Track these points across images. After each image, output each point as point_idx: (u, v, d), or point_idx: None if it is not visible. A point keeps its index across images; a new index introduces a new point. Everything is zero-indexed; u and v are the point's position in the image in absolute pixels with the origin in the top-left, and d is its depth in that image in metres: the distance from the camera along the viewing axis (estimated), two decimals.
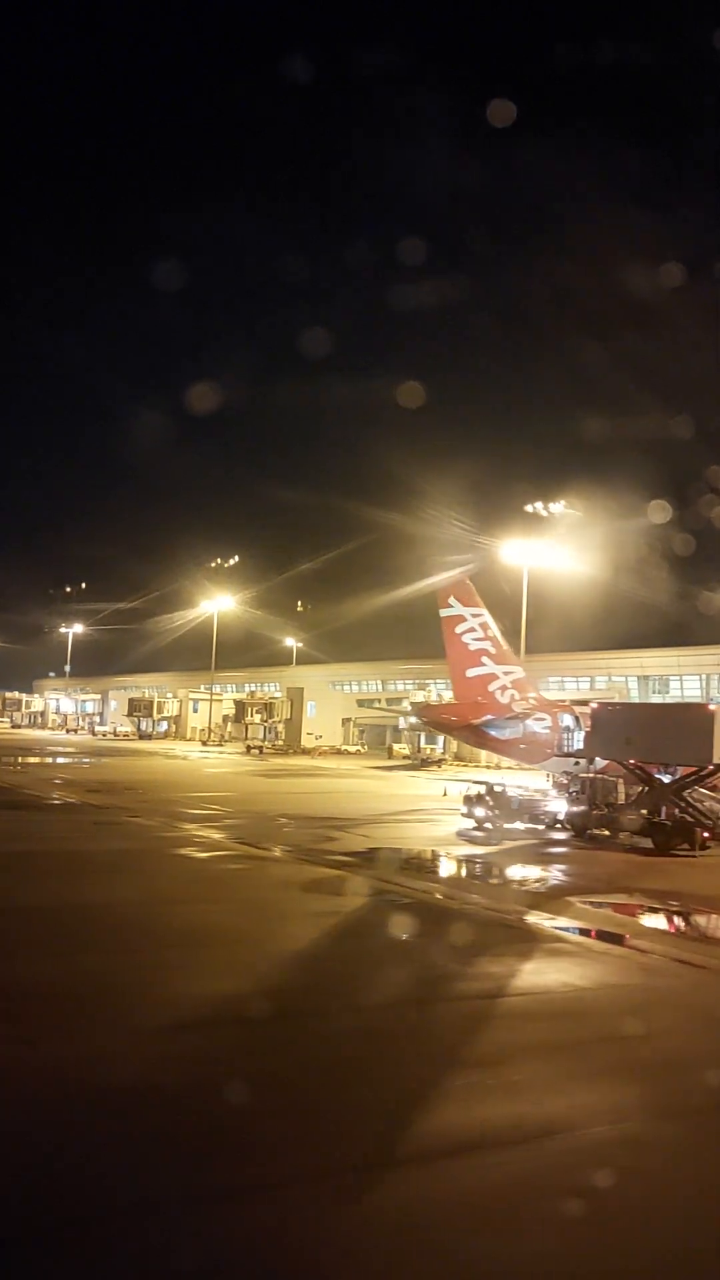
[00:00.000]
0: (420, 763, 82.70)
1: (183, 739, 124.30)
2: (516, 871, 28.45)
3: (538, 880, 26.69)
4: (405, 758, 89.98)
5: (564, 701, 40.47)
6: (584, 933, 19.18)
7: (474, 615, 39.39)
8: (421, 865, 28.25)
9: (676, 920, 22.06)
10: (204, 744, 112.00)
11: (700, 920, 22.44)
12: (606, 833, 35.30)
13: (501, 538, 75.17)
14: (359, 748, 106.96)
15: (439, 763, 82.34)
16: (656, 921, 21.56)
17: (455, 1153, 9.20)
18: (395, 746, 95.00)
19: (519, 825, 37.54)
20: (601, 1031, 13.17)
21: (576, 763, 37.72)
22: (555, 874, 27.64)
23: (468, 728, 39.44)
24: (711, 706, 33.09)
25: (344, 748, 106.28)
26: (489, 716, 38.27)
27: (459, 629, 39.16)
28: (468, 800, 37.91)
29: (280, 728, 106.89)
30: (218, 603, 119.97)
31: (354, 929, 19.11)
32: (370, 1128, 9.62)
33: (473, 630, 39.16)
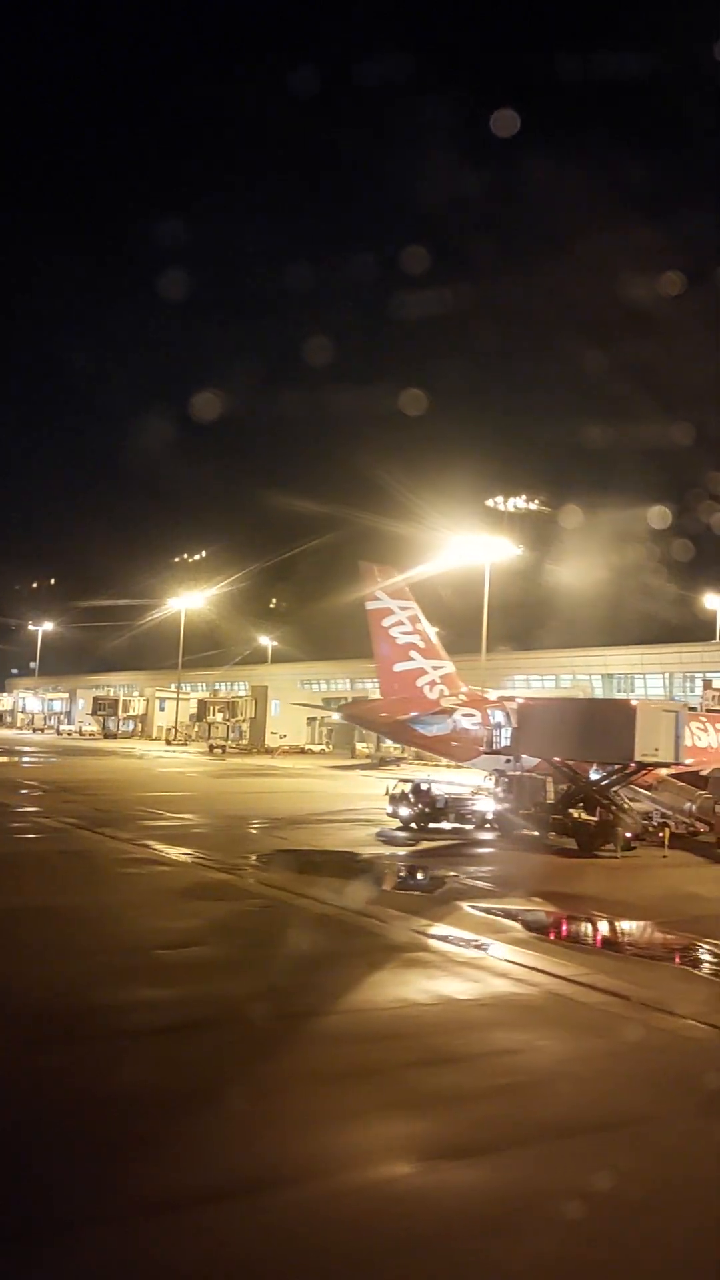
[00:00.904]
0: (379, 762, 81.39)
1: (149, 738, 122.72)
2: (417, 874, 27.18)
3: (434, 884, 25.42)
4: (367, 757, 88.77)
5: (496, 697, 39.22)
6: (452, 941, 17.89)
7: (402, 608, 38.13)
8: (319, 868, 26.93)
9: (561, 927, 20.82)
10: (168, 743, 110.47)
11: (585, 927, 21.21)
12: (534, 833, 34.09)
13: (472, 534, 73.68)
14: (323, 747, 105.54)
15: (398, 761, 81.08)
16: (539, 929, 20.28)
17: (207, 1199, 7.94)
18: (359, 746, 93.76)
19: (445, 825, 36.31)
20: (418, 1055, 11.88)
21: (508, 760, 36.50)
22: (458, 877, 26.35)
23: (395, 725, 38.17)
24: (633, 701, 31.87)
25: (308, 747, 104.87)
26: (415, 713, 37.02)
27: (386, 622, 37.88)
28: (392, 799, 36.58)
29: (245, 727, 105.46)
30: (185, 600, 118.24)
31: (200, 937, 17.78)
32: (96, 1176, 8.32)
33: (401, 624, 37.90)
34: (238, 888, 22.97)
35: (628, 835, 31.56)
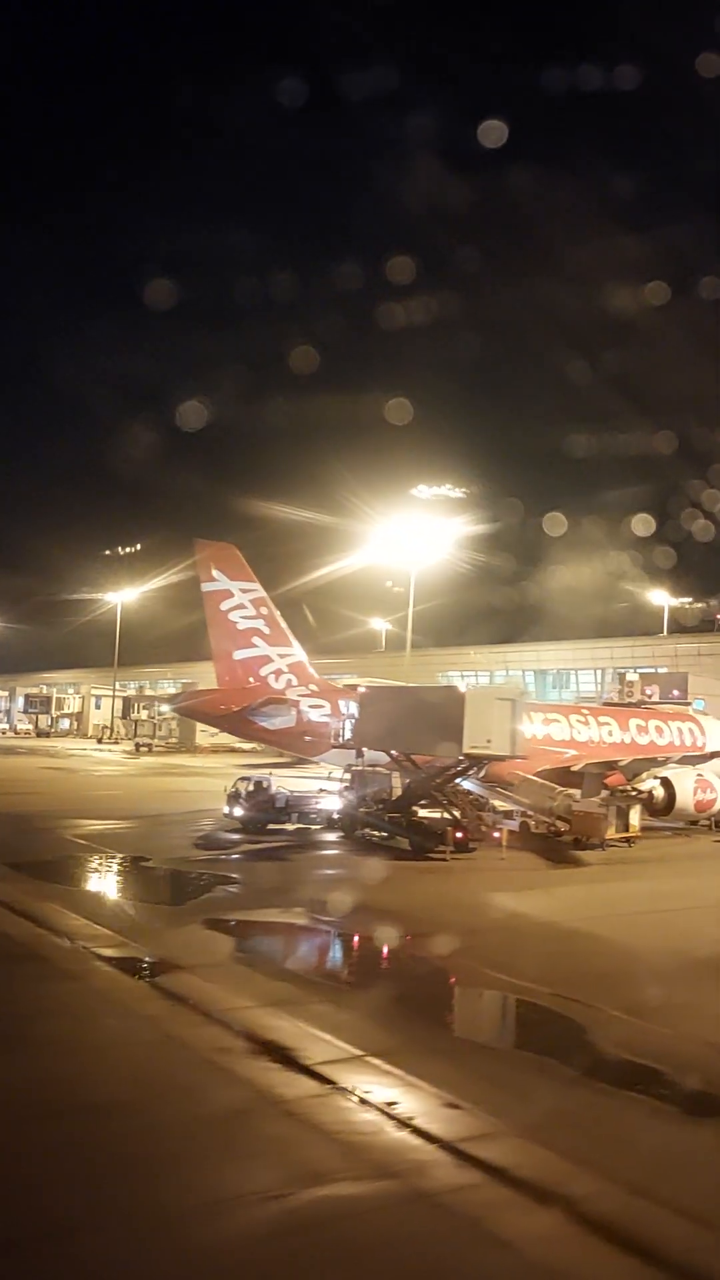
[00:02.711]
0: (297, 760, 78.32)
1: (85, 736, 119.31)
2: (186, 883, 24.07)
3: (201, 893, 22.50)
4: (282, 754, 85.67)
5: (350, 686, 36.42)
6: (128, 962, 15.05)
7: (244, 590, 35.21)
8: (84, 875, 23.98)
9: (271, 943, 18.05)
10: (99, 741, 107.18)
11: (281, 943, 18.37)
12: (375, 833, 31.31)
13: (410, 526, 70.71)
14: (255, 746, 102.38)
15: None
16: (253, 943, 17.48)
17: None
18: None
19: (289, 825, 33.50)
20: None
21: (359, 754, 33.70)
22: (238, 885, 23.52)
23: (232, 717, 35.29)
24: (464, 689, 29.19)
25: (238, 745, 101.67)
26: (255, 704, 34.12)
27: (225, 605, 34.94)
28: (230, 798, 33.75)
29: (174, 724, 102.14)
30: (121, 595, 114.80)
31: None
32: None
33: (242, 607, 34.98)
34: None
35: (458, 835, 28.78)
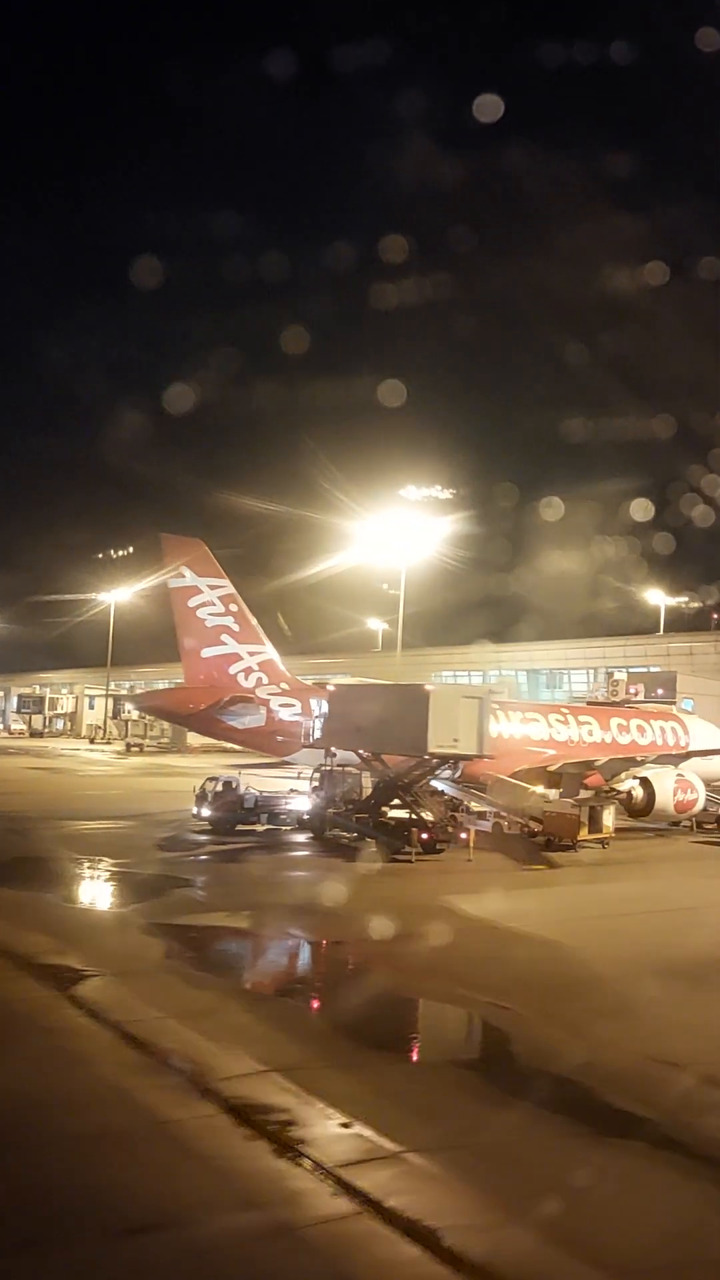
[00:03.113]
0: (282, 761, 77.66)
1: (78, 736, 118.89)
2: (136, 886, 23.36)
3: (149, 897, 21.82)
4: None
5: (321, 685, 35.73)
6: (48, 969, 14.46)
7: (212, 587, 34.58)
8: (34, 877, 23.36)
9: (205, 949, 17.45)
10: (91, 741, 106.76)
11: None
12: (344, 835, 30.73)
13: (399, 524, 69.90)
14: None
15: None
16: (187, 949, 16.86)
17: None
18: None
19: (258, 826, 32.88)
20: None
21: (328, 754, 33.06)
22: (189, 888, 22.91)
23: (200, 716, 34.63)
24: (429, 687, 28.55)
25: (229, 746, 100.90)
26: (222, 703, 33.47)
27: (193, 602, 34.30)
28: (199, 799, 33.13)
29: (166, 725, 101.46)
30: (115, 594, 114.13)
31: None
32: None
33: (210, 604, 34.33)
34: None
35: (423, 836, 28.14)
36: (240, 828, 32.59)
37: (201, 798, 33.31)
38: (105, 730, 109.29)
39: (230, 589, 34.50)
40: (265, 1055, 11.31)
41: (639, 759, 36.18)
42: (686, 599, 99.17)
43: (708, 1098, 11.00)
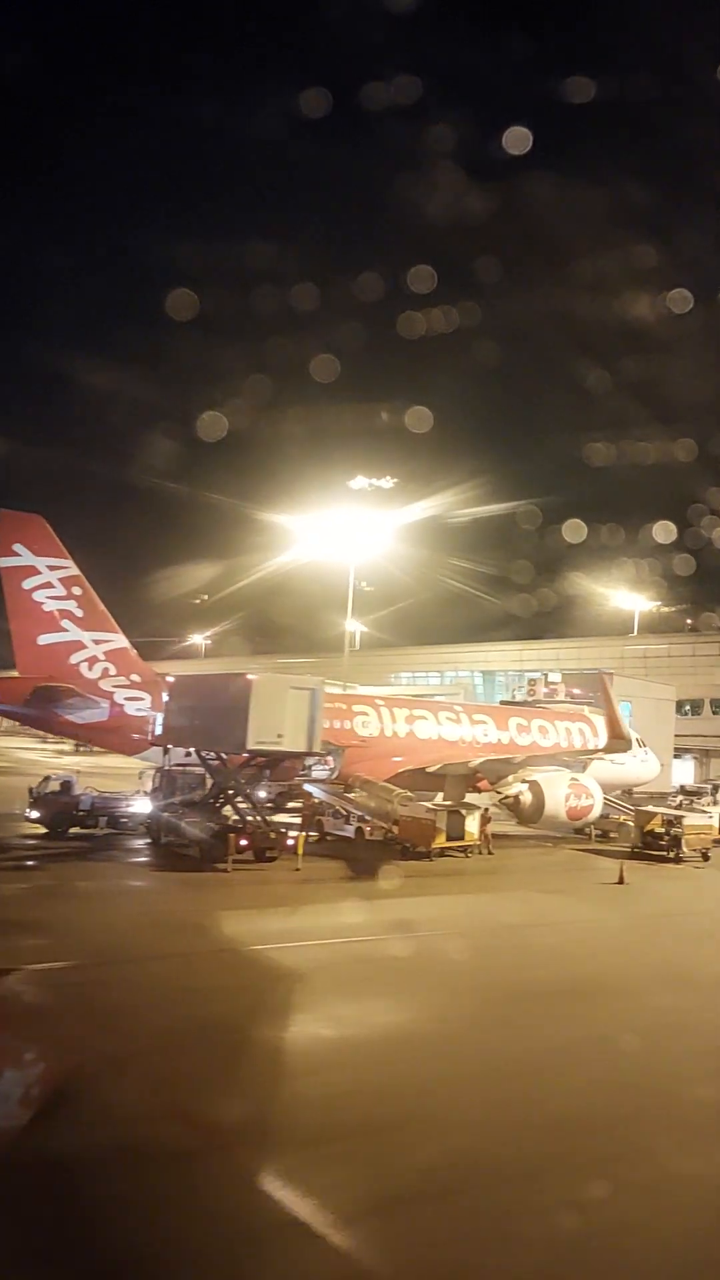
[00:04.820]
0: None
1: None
2: None
3: None
4: None
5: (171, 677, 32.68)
6: None
7: (52, 568, 31.65)
8: None
9: None
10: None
11: None
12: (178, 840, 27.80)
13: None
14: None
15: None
16: None
17: None
18: None
19: (96, 829, 29.99)
20: None
21: (188, 753, 30.16)
22: None
23: (31, 709, 31.61)
24: (251, 676, 25.58)
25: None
26: (53, 694, 30.53)
27: (28, 584, 31.28)
28: (32, 802, 30.28)
29: None
30: None
31: None
32: None
33: (49, 586, 31.39)
34: None
35: (243, 843, 25.19)
36: (78, 831, 29.77)
37: (34, 798, 30.48)
38: None
39: (73, 570, 31.55)
40: None
41: (516, 760, 33.16)
42: (659, 604, 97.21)
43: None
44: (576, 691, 45.68)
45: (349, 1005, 13.93)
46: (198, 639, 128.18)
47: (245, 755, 26.11)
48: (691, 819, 32.28)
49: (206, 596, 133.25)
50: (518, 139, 47.59)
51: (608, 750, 33.22)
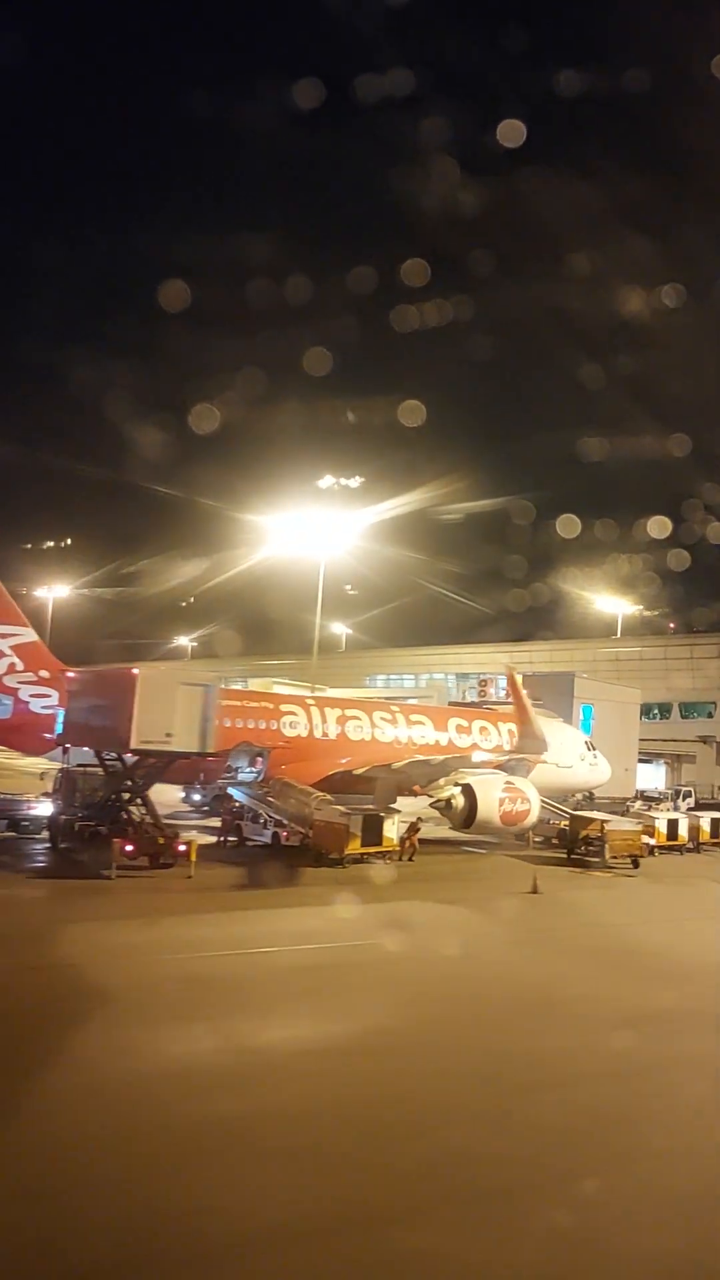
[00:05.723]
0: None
1: None
2: None
3: None
4: None
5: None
6: None
7: None
8: None
9: None
10: None
11: None
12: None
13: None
14: None
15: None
16: None
17: None
18: None
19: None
20: None
21: (64, 750, 28.71)
22: None
23: None
24: (135, 670, 24.09)
25: None
26: None
27: None
28: None
29: None
30: (54, 590, 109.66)
31: None
32: None
33: None
34: None
35: (128, 848, 23.65)
36: None
37: None
38: None
39: None
40: None
41: (435, 761, 31.64)
42: (641, 608, 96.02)
43: None
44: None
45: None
46: (184, 640, 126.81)
47: (131, 755, 24.58)
48: (617, 824, 30.73)
49: (193, 599, 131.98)
50: (513, 132, 46.79)
51: (517, 750, 31.72)
